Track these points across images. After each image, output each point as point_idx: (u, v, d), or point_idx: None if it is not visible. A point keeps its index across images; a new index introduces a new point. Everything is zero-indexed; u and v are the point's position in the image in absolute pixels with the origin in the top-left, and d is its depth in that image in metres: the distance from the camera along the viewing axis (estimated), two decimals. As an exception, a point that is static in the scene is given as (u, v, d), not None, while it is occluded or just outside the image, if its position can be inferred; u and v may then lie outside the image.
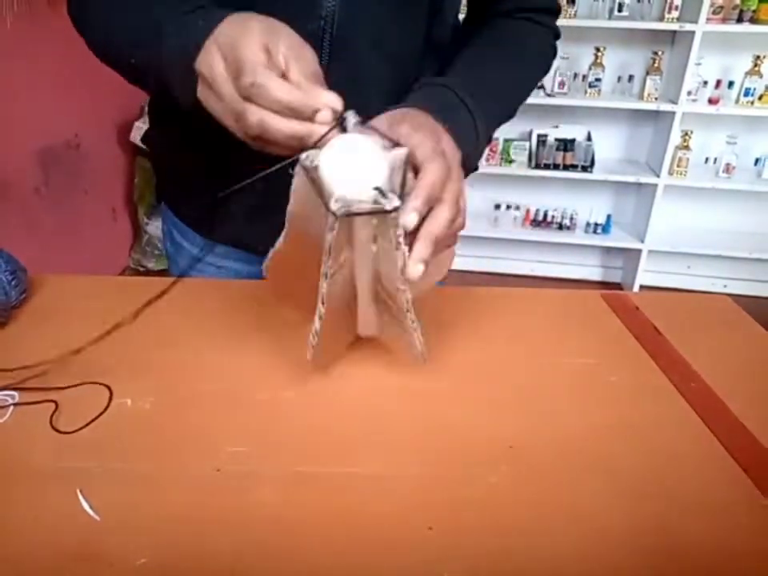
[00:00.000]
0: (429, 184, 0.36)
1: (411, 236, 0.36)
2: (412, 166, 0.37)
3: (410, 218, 0.34)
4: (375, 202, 0.33)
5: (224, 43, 0.35)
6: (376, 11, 0.47)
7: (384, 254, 0.37)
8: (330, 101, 0.34)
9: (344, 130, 0.35)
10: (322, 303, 0.37)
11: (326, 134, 0.34)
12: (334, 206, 0.33)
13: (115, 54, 0.45)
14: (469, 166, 0.45)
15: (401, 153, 0.35)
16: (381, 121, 0.39)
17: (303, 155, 0.34)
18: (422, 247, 0.36)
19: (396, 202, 0.33)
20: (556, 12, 0.58)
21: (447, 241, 0.38)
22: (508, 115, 0.53)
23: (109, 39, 0.46)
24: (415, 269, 0.35)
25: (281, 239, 0.38)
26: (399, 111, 0.41)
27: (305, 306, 0.39)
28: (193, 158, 0.55)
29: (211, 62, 0.35)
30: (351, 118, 0.35)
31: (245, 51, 0.34)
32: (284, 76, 0.34)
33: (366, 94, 0.49)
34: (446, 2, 0.52)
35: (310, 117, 0.34)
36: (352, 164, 0.33)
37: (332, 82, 0.45)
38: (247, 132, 0.35)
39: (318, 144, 0.34)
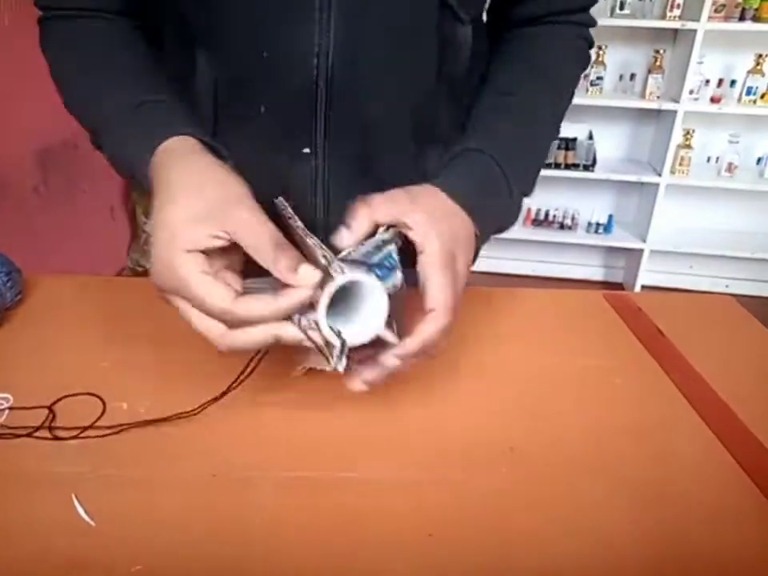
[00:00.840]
0: (427, 342, 0.34)
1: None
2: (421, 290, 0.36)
3: (391, 362, 0.34)
4: (328, 344, 0.33)
5: (172, 288, 0.34)
6: (375, 59, 0.43)
7: None
8: (309, 278, 0.31)
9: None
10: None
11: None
12: (334, 362, 0.33)
13: (71, 107, 0.46)
14: (500, 230, 0.45)
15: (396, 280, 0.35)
16: (401, 197, 0.37)
17: (303, 322, 0.33)
18: (376, 374, 0.35)
19: (395, 338, 0.34)
20: (590, 5, 0.52)
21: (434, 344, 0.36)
22: (542, 163, 0.50)
23: (69, 102, 0.47)
24: (360, 387, 0.35)
25: None
26: (422, 192, 0.39)
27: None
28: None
29: (165, 298, 0.35)
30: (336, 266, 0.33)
31: (198, 292, 0.32)
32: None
33: (373, 141, 0.46)
34: (458, 35, 0.47)
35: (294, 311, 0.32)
36: (355, 311, 0.34)
37: (334, 129, 0.44)
38: (222, 349, 0.34)
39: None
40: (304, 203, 0.46)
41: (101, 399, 0.40)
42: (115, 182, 2.15)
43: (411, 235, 0.36)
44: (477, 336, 0.49)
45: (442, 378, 0.44)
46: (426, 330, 0.35)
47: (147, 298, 0.52)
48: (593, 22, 0.53)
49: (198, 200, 0.34)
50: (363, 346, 0.34)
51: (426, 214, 0.37)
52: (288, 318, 0.33)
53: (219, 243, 0.32)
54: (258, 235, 0.32)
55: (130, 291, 0.54)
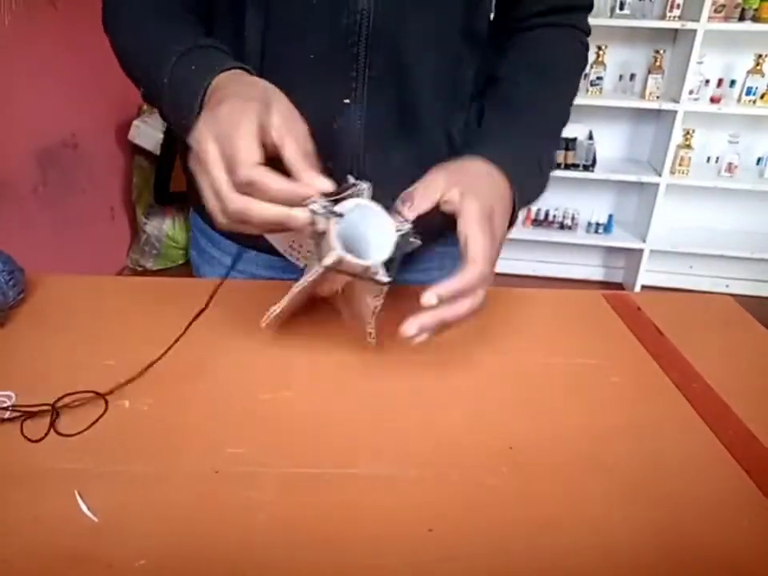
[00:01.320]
0: (466, 284, 0.37)
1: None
2: (462, 251, 0.39)
3: (428, 298, 0.36)
4: (368, 269, 0.36)
5: (220, 129, 0.35)
6: (409, 10, 0.47)
7: (362, 291, 0.40)
8: (321, 187, 0.35)
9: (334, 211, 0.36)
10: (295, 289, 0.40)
11: (312, 223, 0.35)
12: (326, 260, 0.35)
13: (129, 68, 0.48)
14: (530, 201, 0.47)
15: (404, 230, 0.37)
16: (436, 179, 0.40)
17: (315, 205, 0.35)
18: (426, 320, 0.37)
19: (387, 278, 0.36)
20: (589, 8, 0.56)
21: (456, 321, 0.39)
22: (557, 144, 0.56)
23: (125, 57, 0.48)
24: (410, 328, 0.37)
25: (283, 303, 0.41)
26: (455, 166, 0.43)
27: None
28: None
29: (203, 142, 0.35)
30: (366, 190, 0.37)
31: (240, 144, 0.34)
32: (277, 151, 0.35)
33: (411, 83, 0.50)
34: None
35: (299, 205, 0.35)
36: (362, 230, 0.35)
37: (373, 74, 0.48)
38: (226, 213, 0.35)
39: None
40: (341, 154, 0.50)
41: (103, 397, 0.40)
42: (115, 181, 2.15)
43: (447, 208, 0.40)
44: (477, 335, 0.49)
45: (442, 377, 0.44)
46: (466, 274, 0.37)
47: (148, 297, 0.53)
48: (588, 29, 0.56)
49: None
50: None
51: (461, 186, 0.40)
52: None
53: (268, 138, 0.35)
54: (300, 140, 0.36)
55: (131, 291, 0.54)
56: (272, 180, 0.34)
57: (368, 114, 0.49)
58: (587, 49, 0.57)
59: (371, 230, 0.37)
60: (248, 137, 0.34)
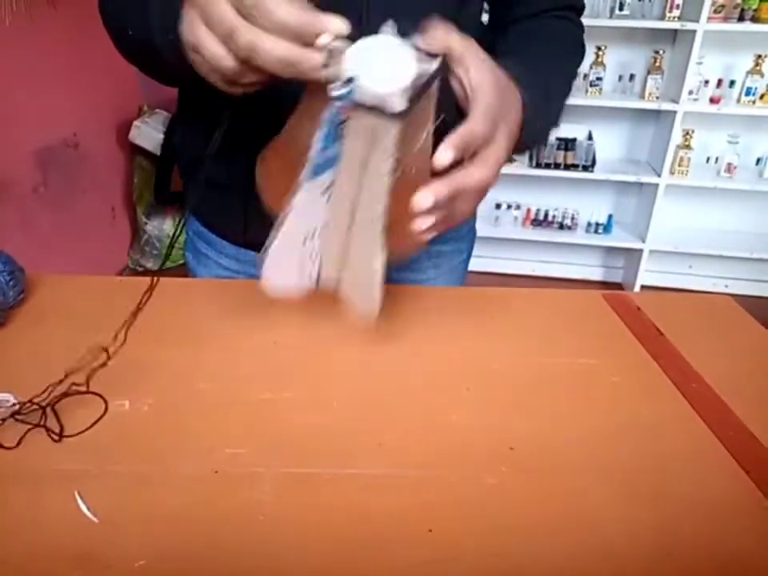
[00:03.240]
0: (471, 131, 0.34)
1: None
2: (464, 104, 0.35)
3: (443, 155, 0.33)
4: (382, 100, 0.31)
5: None
6: None
7: (371, 178, 0.34)
8: (337, 26, 0.30)
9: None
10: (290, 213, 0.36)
11: (326, 65, 0.31)
12: (338, 87, 0.31)
13: (124, 35, 0.45)
14: (529, 138, 0.42)
15: (433, 66, 0.33)
16: (452, 37, 0.35)
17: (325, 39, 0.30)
18: (441, 187, 0.34)
19: (402, 106, 0.31)
20: (581, 10, 0.57)
21: (468, 199, 0.36)
22: (566, 99, 0.52)
23: (120, 21, 0.45)
24: (425, 198, 0.33)
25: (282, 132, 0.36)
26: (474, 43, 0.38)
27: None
28: (226, 165, 0.54)
29: None
30: (389, 29, 0.32)
31: None
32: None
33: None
34: None
35: (309, 40, 0.31)
36: (375, 60, 0.31)
37: (372, 16, 0.45)
38: (237, 54, 0.32)
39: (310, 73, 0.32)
40: None
41: (103, 398, 0.40)
42: (116, 182, 2.15)
43: (462, 74, 0.35)
44: (476, 335, 0.49)
45: (442, 376, 0.44)
46: (475, 121, 0.34)
47: (150, 297, 0.53)
48: (582, 27, 0.56)
49: None
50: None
51: (480, 61, 0.36)
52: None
53: None
54: None
55: (131, 291, 0.54)
56: (280, 4, 0.30)
57: None
58: (583, 44, 0.57)
59: (389, 65, 0.32)
60: None
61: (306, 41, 0.31)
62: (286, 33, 0.30)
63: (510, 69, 0.40)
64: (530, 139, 0.44)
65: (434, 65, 0.33)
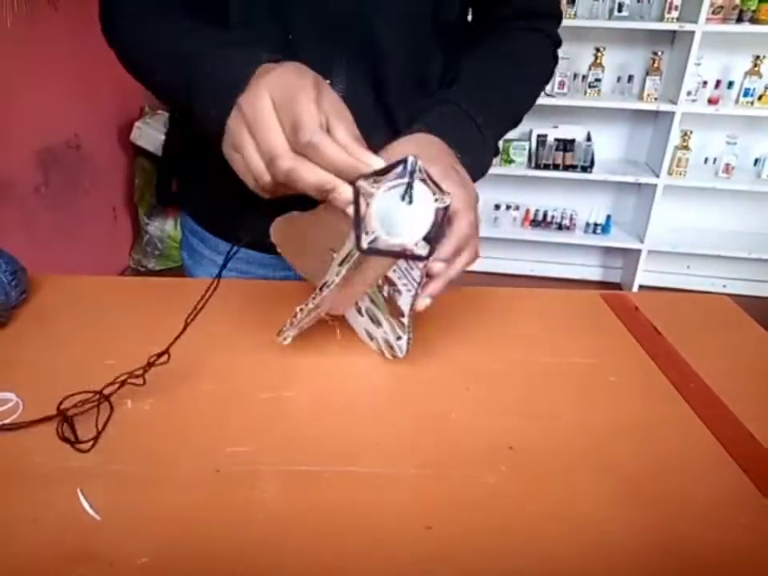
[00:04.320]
0: (462, 237, 0.39)
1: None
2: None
3: (438, 267, 0.39)
4: (406, 248, 0.35)
5: (279, 91, 0.35)
6: None
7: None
8: (376, 164, 0.34)
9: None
10: (314, 306, 0.40)
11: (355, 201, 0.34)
12: (363, 239, 0.34)
13: (144, 75, 0.48)
14: (474, 179, 0.48)
15: (445, 204, 0.36)
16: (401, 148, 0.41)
17: (361, 182, 0.34)
18: (437, 286, 0.40)
19: (426, 250, 0.35)
20: (558, 18, 0.58)
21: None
22: (513, 125, 0.56)
23: (138, 61, 0.48)
24: (424, 302, 0.40)
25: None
26: (415, 138, 0.44)
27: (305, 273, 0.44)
28: (219, 164, 0.55)
29: (258, 102, 0.35)
30: (418, 164, 0.35)
31: (304, 107, 0.34)
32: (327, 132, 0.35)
33: (384, 67, 0.51)
34: None
35: (352, 180, 0.34)
36: (404, 212, 0.35)
37: (351, 58, 0.49)
38: (274, 176, 0.35)
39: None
40: None
41: (105, 397, 0.40)
42: (117, 182, 2.15)
43: None
44: (476, 335, 0.49)
45: (441, 376, 0.44)
46: (456, 227, 0.39)
47: (150, 297, 0.53)
48: (558, 39, 0.58)
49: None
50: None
51: (444, 174, 0.40)
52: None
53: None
54: (349, 124, 0.36)
55: (133, 291, 0.54)
56: (333, 146, 0.34)
57: (347, 95, 0.50)
58: (555, 57, 0.59)
59: (409, 207, 0.36)
60: (312, 101, 0.34)
61: (349, 178, 0.34)
62: (333, 170, 0.34)
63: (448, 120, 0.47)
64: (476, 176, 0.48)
65: (446, 199, 0.36)
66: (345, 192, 0.34)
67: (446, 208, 0.36)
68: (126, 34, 0.49)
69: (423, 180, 0.35)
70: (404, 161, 0.34)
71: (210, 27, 0.45)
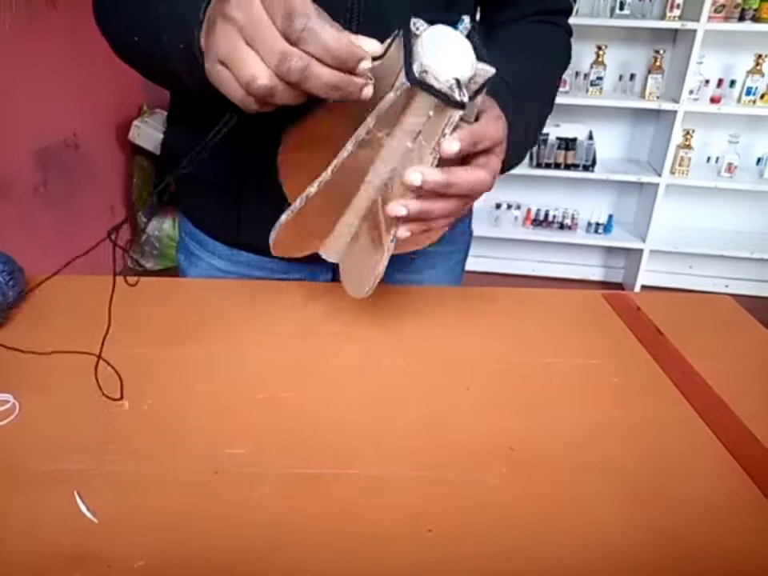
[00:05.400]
0: (482, 131, 0.37)
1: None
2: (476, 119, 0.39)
3: (451, 144, 0.36)
4: (450, 88, 0.34)
5: None
6: None
7: (414, 154, 0.38)
8: (374, 49, 0.34)
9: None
10: (321, 181, 0.38)
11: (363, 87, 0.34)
12: (416, 67, 0.34)
13: (127, 43, 0.45)
14: (509, 162, 0.45)
15: (490, 71, 0.36)
16: None
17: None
18: (439, 174, 0.37)
19: (466, 98, 0.35)
20: (569, 12, 0.58)
21: (456, 202, 0.39)
22: (547, 115, 0.54)
23: (122, 29, 0.46)
24: (415, 176, 0.36)
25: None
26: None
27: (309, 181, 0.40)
28: (219, 165, 0.54)
29: (248, 5, 0.33)
30: (467, 23, 0.36)
31: None
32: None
33: None
34: None
35: (352, 66, 0.33)
36: (449, 49, 0.35)
37: (362, 15, 0.47)
38: (285, 77, 0.33)
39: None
40: None
41: (108, 396, 0.40)
42: (116, 181, 2.15)
43: None
44: (476, 335, 0.49)
45: (441, 376, 0.44)
46: (486, 125, 0.38)
47: (148, 297, 0.53)
48: (570, 30, 0.57)
49: None
50: None
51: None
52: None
53: None
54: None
55: (131, 291, 0.54)
56: (332, 30, 0.32)
57: None
58: (570, 47, 0.58)
59: (457, 53, 0.35)
60: None
61: (348, 66, 0.33)
62: (330, 58, 0.32)
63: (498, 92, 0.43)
64: (510, 165, 0.47)
65: (491, 69, 0.36)
66: (357, 82, 0.33)
67: (487, 81, 0.36)
68: (111, 14, 0.47)
69: (472, 40, 0.35)
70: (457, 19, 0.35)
71: None
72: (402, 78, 0.35)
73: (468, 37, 0.36)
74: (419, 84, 0.34)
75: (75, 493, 0.33)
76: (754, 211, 2.23)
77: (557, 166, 2.14)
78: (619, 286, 2.38)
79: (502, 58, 0.53)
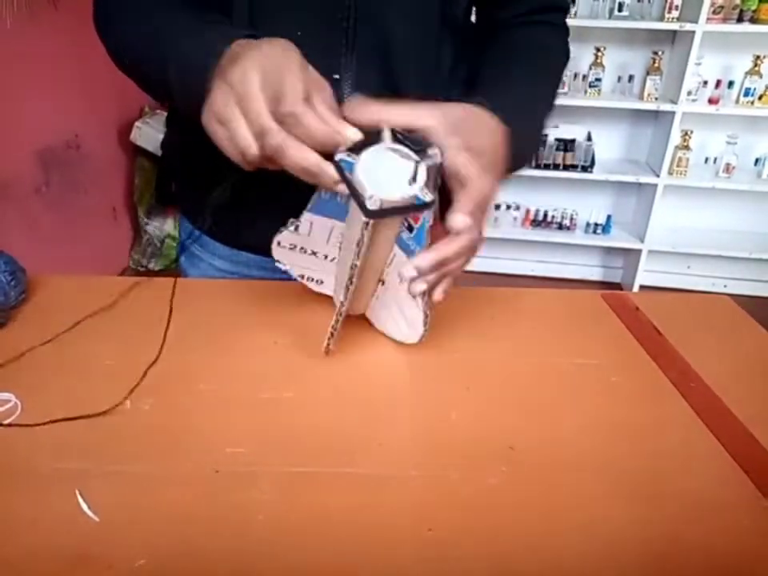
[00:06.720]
0: (477, 196, 0.38)
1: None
2: (456, 180, 0.39)
3: (459, 220, 0.38)
4: (412, 198, 0.36)
5: (266, 65, 0.36)
6: None
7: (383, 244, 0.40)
8: (352, 135, 0.36)
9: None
10: (345, 299, 0.41)
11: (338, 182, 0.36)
12: (368, 202, 0.35)
13: (130, 61, 0.47)
14: (515, 165, 0.46)
15: (435, 158, 0.37)
16: (438, 117, 0.39)
17: (338, 155, 0.36)
18: (429, 258, 0.39)
19: (431, 197, 0.36)
20: (566, 10, 0.58)
21: (458, 262, 0.41)
22: (549, 113, 0.54)
23: (127, 46, 0.47)
24: (409, 271, 0.39)
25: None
26: (461, 109, 0.42)
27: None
28: (219, 166, 0.54)
29: (247, 77, 0.35)
30: (387, 133, 0.37)
31: (288, 79, 0.35)
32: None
33: (395, 59, 0.51)
34: None
35: (330, 151, 0.35)
36: (388, 167, 0.36)
37: (361, 51, 0.49)
38: (263, 151, 0.36)
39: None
40: None
41: (107, 397, 0.40)
42: (117, 182, 2.15)
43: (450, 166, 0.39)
44: (476, 335, 0.49)
45: (441, 376, 0.44)
46: (475, 187, 0.38)
47: (149, 297, 0.53)
48: (567, 29, 0.58)
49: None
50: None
51: (445, 119, 0.39)
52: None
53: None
54: (328, 96, 0.37)
55: (133, 291, 0.54)
56: (314, 118, 0.35)
57: (356, 89, 0.50)
58: (568, 48, 0.58)
59: (393, 171, 0.37)
60: (296, 74, 0.35)
61: (327, 150, 0.35)
62: (311, 141, 0.35)
63: (493, 102, 0.44)
64: (515, 170, 0.47)
65: (437, 155, 0.37)
66: (330, 172, 0.35)
67: (438, 166, 0.37)
68: (116, 28, 0.48)
69: (403, 142, 0.36)
70: (379, 131, 0.36)
71: (187, 11, 0.44)
72: (362, 216, 0.36)
73: (396, 137, 0.37)
74: (382, 213, 0.36)
75: (77, 492, 0.33)
76: (752, 211, 2.23)
77: (556, 166, 2.14)
78: (618, 286, 2.38)
79: (502, 62, 0.54)
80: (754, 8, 1.87)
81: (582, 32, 2.03)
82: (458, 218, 0.38)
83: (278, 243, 0.45)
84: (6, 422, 0.38)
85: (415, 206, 0.36)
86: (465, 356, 0.47)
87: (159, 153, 0.68)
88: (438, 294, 0.41)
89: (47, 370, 0.43)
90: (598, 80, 2.05)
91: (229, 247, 0.60)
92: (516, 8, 0.55)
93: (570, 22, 0.58)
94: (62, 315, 0.49)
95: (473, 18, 0.59)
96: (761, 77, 1.97)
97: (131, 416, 0.39)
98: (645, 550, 0.31)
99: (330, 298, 0.50)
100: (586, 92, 2.06)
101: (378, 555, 0.30)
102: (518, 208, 2.30)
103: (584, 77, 2.07)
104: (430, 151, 0.37)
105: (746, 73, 1.98)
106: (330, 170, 0.35)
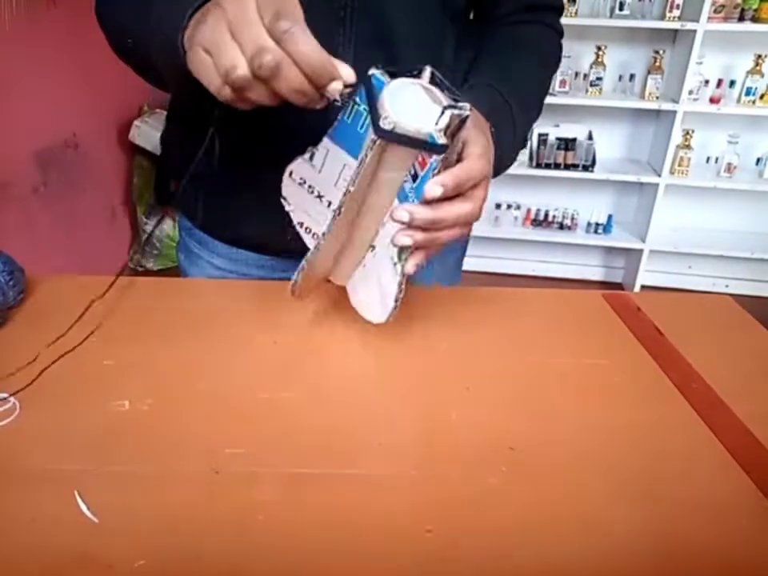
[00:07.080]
0: (466, 171, 0.37)
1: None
2: (459, 155, 0.39)
3: (433, 189, 0.36)
4: (427, 135, 0.34)
5: None
6: None
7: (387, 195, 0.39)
8: (348, 75, 0.34)
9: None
10: (327, 231, 0.39)
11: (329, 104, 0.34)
12: (383, 121, 0.34)
13: (128, 43, 0.46)
14: (499, 168, 0.46)
15: (465, 110, 0.36)
16: None
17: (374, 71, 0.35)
18: (426, 211, 0.37)
19: (444, 141, 0.35)
20: (560, 10, 0.59)
21: (448, 232, 0.39)
22: (537, 115, 0.56)
23: (125, 27, 0.46)
24: (402, 214, 0.37)
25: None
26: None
27: None
28: (215, 162, 0.54)
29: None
30: (427, 73, 0.36)
31: (289, 0, 0.33)
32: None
33: (395, 50, 0.50)
34: None
35: (323, 83, 0.33)
36: (416, 102, 0.35)
37: (359, 42, 0.48)
38: (257, 71, 0.33)
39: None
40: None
41: (106, 397, 0.40)
42: (116, 182, 2.15)
43: None
44: (476, 335, 0.49)
45: (442, 376, 0.44)
46: (470, 163, 0.38)
47: (149, 297, 0.53)
48: (560, 29, 0.58)
49: None
50: None
51: (471, 122, 0.38)
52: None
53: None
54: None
55: (131, 291, 0.54)
56: (312, 41, 0.32)
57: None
58: (560, 48, 0.59)
59: (419, 107, 0.36)
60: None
61: (320, 80, 0.33)
62: (305, 66, 0.33)
63: (482, 99, 0.44)
64: (498, 173, 0.47)
65: (466, 109, 0.36)
66: (321, 100, 0.34)
67: (463, 120, 0.36)
68: (114, 10, 0.47)
69: (439, 86, 0.35)
70: (421, 68, 0.35)
71: None
72: (371, 133, 0.35)
73: (434, 80, 0.36)
74: (392, 136, 0.34)
75: (76, 493, 0.33)
76: (753, 211, 2.23)
77: (556, 166, 2.14)
78: (619, 286, 2.38)
79: (493, 61, 0.54)
80: (755, 7, 1.87)
81: (582, 31, 2.03)
82: (434, 188, 0.36)
83: (290, 173, 0.43)
84: (5, 422, 0.38)
85: (427, 144, 0.35)
86: (465, 356, 0.47)
87: (158, 152, 0.68)
88: (410, 266, 0.40)
89: (46, 370, 0.43)
90: (599, 79, 2.05)
91: (227, 245, 0.60)
92: (512, 5, 0.56)
93: (570, 21, 0.59)
94: (61, 315, 0.49)
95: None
96: (762, 76, 1.97)
97: (130, 416, 0.39)
98: (645, 549, 0.31)
99: (330, 298, 0.50)
100: (587, 91, 2.06)
101: (378, 555, 0.30)
102: (518, 207, 2.29)
103: (585, 76, 2.07)
104: (461, 104, 0.36)
105: (748, 72, 1.98)
106: (341, 68, 0.33)
